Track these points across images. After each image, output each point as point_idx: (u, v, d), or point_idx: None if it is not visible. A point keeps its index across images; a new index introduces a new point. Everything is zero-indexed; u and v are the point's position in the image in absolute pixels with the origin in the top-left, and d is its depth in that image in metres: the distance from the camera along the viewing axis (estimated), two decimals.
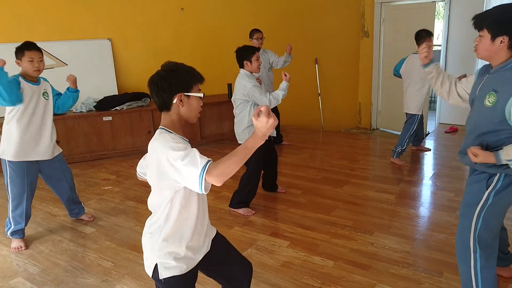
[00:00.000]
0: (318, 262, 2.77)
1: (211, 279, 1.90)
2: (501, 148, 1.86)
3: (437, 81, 2.30)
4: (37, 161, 3.06)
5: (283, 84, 3.36)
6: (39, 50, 2.93)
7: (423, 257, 2.80)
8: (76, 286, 2.61)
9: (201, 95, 1.60)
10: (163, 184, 1.52)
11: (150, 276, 1.63)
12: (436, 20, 6.77)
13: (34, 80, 2.97)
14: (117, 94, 5.58)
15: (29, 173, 3.03)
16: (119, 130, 5.31)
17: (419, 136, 5.08)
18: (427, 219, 3.39)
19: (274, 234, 3.19)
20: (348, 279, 2.57)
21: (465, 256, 2.05)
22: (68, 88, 3.17)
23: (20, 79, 2.88)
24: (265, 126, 1.36)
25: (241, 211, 3.56)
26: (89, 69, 5.47)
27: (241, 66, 3.43)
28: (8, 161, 2.97)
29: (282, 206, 3.71)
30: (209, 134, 5.80)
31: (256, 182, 3.58)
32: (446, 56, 6.49)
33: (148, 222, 1.65)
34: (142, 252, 2.99)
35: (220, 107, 5.71)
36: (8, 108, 2.91)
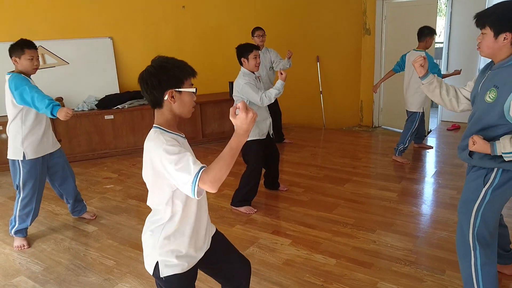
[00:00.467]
0: (320, 260, 2.77)
1: (209, 277, 1.89)
2: (498, 140, 1.87)
3: (442, 90, 2.23)
4: (47, 156, 3.08)
5: (278, 83, 3.31)
6: (36, 48, 2.93)
7: (425, 254, 2.80)
8: (78, 285, 2.62)
9: (193, 90, 1.55)
10: (161, 182, 1.51)
11: (151, 274, 1.62)
12: (438, 17, 6.73)
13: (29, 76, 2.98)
14: (118, 92, 5.58)
15: (41, 171, 3.06)
16: (120, 128, 5.31)
17: (420, 133, 5.07)
18: (429, 217, 3.38)
19: (276, 232, 3.19)
20: (350, 277, 2.57)
21: (465, 254, 2.05)
22: (53, 113, 2.73)
23: (25, 76, 2.88)
24: (245, 122, 1.34)
25: (242, 209, 3.56)
26: (91, 67, 5.47)
27: (240, 63, 3.44)
28: (21, 161, 2.97)
29: (284, 204, 3.71)
30: (211, 132, 5.80)
31: (257, 181, 3.58)
32: (448, 53, 6.47)
33: (149, 220, 1.64)
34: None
35: (222, 105, 5.71)
36: (12, 109, 2.89)
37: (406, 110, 4.70)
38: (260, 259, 2.80)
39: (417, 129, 4.71)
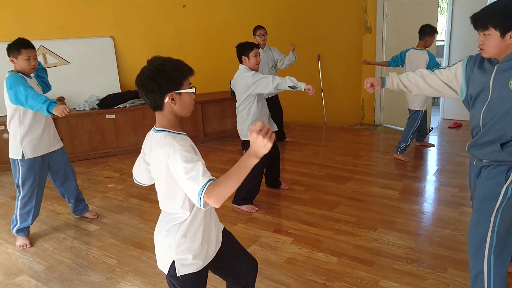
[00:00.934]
0: (321, 258, 2.77)
1: (211, 277, 1.89)
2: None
3: (417, 79, 2.20)
4: (47, 155, 3.08)
5: (302, 83, 3.19)
6: (34, 47, 2.93)
7: (427, 253, 2.79)
8: (80, 284, 2.62)
9: (193, 90, 1.55)
10: (175, 186, 1.50)
11: (166, 273, 1.63)
12: (439, 15, 6.72)
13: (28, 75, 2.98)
14: (120, 91, 5.59)
15: (41, 170, 3.06)
16: (122, 128, 5.32)
17: (422, 131, 5.06)
18: (431, 215, 3.38)
19: (278, 230, 3.19)
20: (352, 275, 2.57)
21: (479, 251, 2.02)
22: (48, 109, 2.70)
23: (23, 75, 2.88)
24: (263, 147, 1.28)
25: (244, 207, 3.56)
26: (92, 67, 5.48)
27: (240, 61, 3.43)
28: (20, 160, 2.97)
29: (286, 202, 3.71)
30: (212, 131, 5.80)
31: (259, 180, 3.58)
32: (449, 51, 6.45)
33: (162, 221, 1.64)
34: (146, 249, 3.00)
35: (223, 104, 5.71)
36: (10, 108, 2.90)
37: (408, 109, 4.69)
38: (261, 257, 2.80)
39: (419, 127, 4.71)
